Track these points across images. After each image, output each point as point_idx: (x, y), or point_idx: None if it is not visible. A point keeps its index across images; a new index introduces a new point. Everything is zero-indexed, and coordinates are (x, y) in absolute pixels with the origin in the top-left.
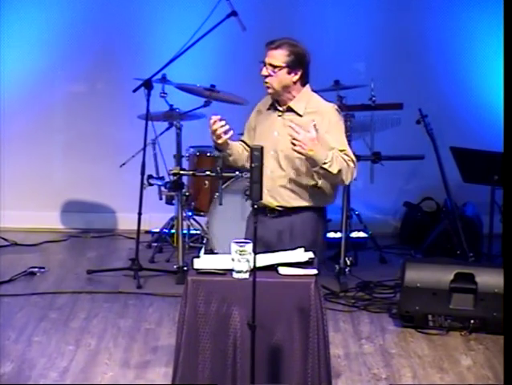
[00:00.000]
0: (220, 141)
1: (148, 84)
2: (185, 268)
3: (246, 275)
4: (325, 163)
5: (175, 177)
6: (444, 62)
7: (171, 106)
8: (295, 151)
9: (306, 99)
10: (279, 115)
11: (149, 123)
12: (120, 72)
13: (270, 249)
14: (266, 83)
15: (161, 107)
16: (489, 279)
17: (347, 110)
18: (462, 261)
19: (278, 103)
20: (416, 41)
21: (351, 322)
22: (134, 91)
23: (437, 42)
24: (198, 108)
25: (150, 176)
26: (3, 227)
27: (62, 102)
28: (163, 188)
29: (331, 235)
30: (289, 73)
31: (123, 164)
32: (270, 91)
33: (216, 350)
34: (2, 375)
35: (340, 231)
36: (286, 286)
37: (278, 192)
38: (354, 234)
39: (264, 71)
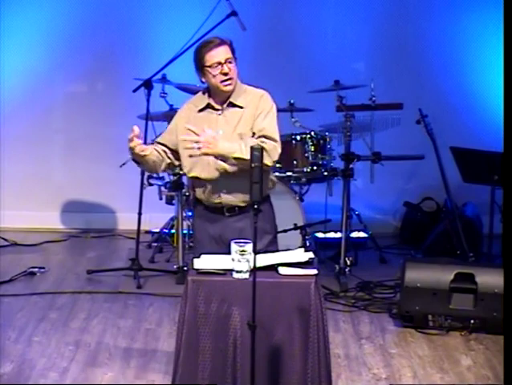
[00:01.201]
0: (137, 157)
1: (148, 84)
2: (185, 268)
3: (246, 275)
4: (235, 153)
5: (175, 177)
6: (444, 63)
7: (171, 106)
8: (202, 153)
9: (242, 91)
10: (219, 114)
11: (149, 123)
12: (120, 72)
13: None
14: (230, 79)
15: (161, 107)
16: (489, 279)
17: (347, 110)
18: (462, 261)
19: (214, 101)
20: (416, 41)
21: (351, 322)
22: (134, 91)
23: (437, 42)
24: None
25: (150, 176)
26: (3, 227)
27: (62, 102)
28: (163, 188)
29: (330, 235)
30: (236, 65)
31: (124, 164)
32: (230, 87)
33: (216, 350)
34: (2, 375)
35: (340, 231)
36: (286, 286)
37: (235, 189)
38: (354, 234)
39: (227, 68)
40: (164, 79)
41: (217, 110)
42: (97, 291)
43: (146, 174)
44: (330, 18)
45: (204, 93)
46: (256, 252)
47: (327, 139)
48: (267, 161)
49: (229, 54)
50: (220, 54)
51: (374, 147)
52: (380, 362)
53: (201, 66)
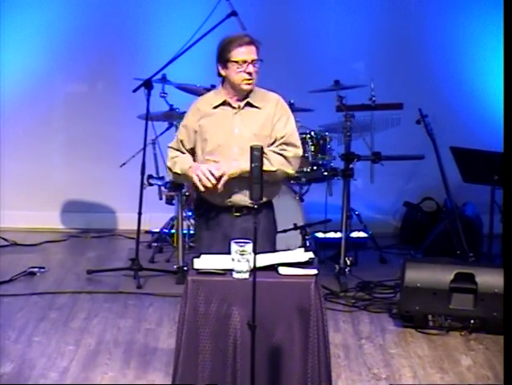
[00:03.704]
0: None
1: (148, 84)
2: (185, 268)
3: (246, 275)
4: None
5: None
6: (444, 62)
7: (171, 106)
8: (228, 176)
9: (258, 92)
10: (235, 112)
11: (149, 123)
12: (120, 72)
13: None
14: (251, 79)
15: (161, 107)
16: (489, 279)
17: (347, 110)
18: (462, 261)
19: (231, 98)
20: (416, 41)
21: (351, 322)
22: (134, 91)
23: (437, 42)
24: None
25: (150, 176)
26: (3, 227)
27: (62, 102)
28: (163, 188)
29: (330, 235)
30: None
31: (124, 164)
32: (250, 87)
33: (216, 350)
34: (2, 375)
35: (340, 231)
36: (286, 286)
37: (247, 188)
38: (354, 234)
39: (252, 68)
40: (164, 79)
41: (234, 108)
42: (97, 291)
43: (146, 174)
44: (330, 18)
45: (219, 90)
46: (258, 252)
47: (327, 139)
48: (289, 170)
49: (256, 56)
50: (248, 53)
51: (374, 147)
52: (380, 362)
53: (225, 60)
